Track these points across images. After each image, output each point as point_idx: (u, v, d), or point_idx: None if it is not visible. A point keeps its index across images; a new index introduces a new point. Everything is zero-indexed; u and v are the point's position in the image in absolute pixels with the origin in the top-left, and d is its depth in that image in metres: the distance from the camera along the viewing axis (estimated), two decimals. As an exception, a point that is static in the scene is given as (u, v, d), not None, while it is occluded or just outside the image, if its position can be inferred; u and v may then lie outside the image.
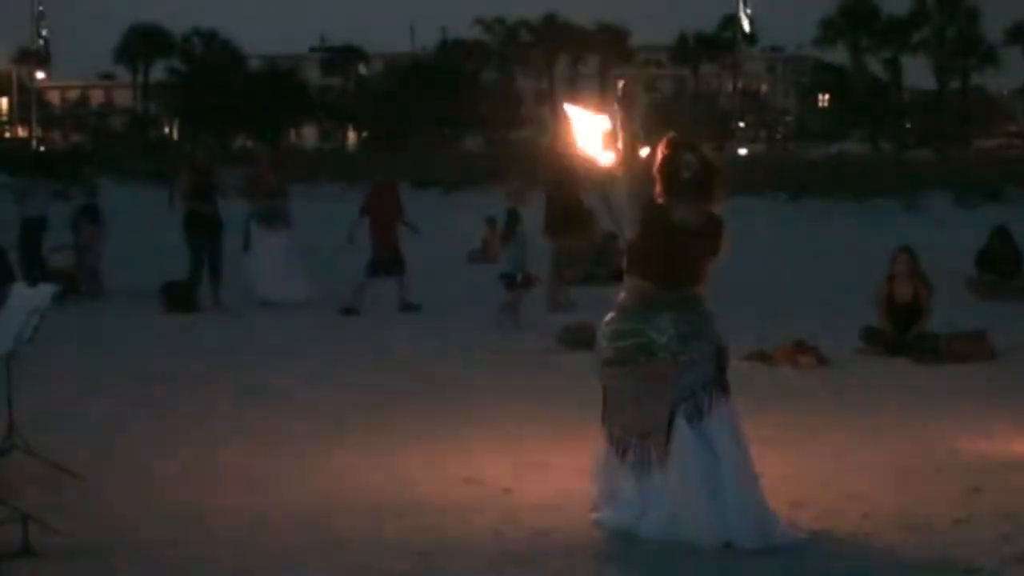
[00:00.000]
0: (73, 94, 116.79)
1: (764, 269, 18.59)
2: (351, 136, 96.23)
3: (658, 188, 6.86)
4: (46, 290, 8.62)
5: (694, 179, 6.81)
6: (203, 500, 7.88)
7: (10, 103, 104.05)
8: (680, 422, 6.79)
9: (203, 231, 17.37)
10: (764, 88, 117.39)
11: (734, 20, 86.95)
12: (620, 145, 6.92)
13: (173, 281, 17.37)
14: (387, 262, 17.19)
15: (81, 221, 19.35)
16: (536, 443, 9.24)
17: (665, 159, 6.84)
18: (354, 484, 8.24)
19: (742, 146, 79.58)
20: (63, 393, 11.31)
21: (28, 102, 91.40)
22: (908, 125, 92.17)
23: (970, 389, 11.38)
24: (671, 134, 6.95)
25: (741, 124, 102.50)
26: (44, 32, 68.14)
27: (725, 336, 7.05)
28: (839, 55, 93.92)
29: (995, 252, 18.23)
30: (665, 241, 6.82)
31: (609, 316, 7.05)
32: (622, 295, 7.01)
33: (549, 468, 8.45)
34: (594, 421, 7.33)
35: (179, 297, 17.04)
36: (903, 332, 13.52)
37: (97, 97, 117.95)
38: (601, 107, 7.21)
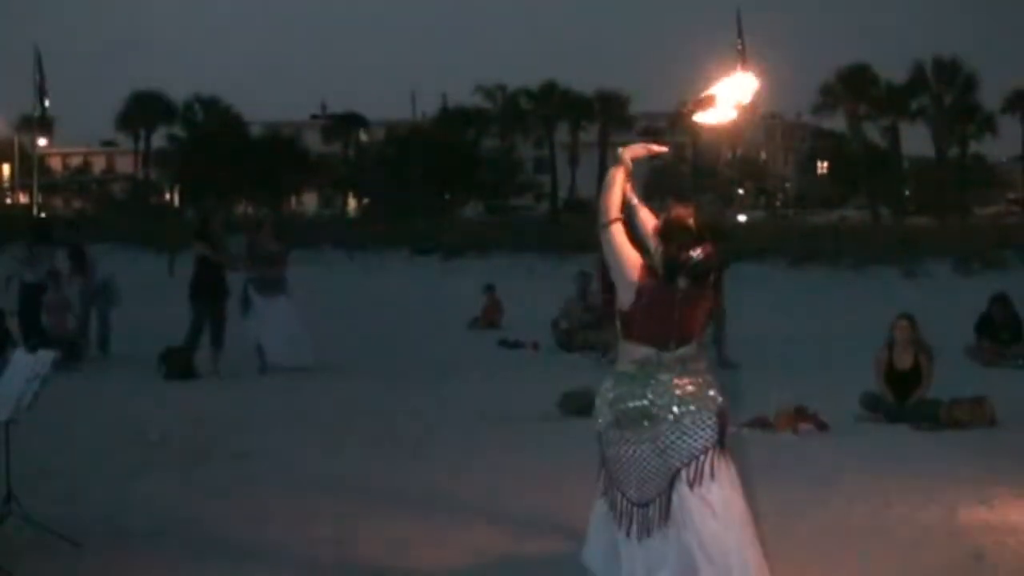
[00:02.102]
0: (75, 160, 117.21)
1: (765, 335, 18.61)
2: (351, 203, 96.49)
3: (657, 254, 6.84)
4: (46, 356, 8.63)
5: (692, 272, 6.81)
6: (200, 571, 7.85)
7: (11, 170, 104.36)
8: (682, 487, 6.77)
9: (208, 297, 17.42)
10: (763, 155, 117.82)
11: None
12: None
13: (173, 347, 17.38)
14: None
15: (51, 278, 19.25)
16: (534, 510, 9.21)
17: (675, 250, 6.80)
18: (352, 553, 8.21)
19: (742, 213, 79.85)
20: (61, 460, 11.28)
21: (30, 168, 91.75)
22: (907, 192, 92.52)
23: (970, 456, 11.36)
24: (687, 218, 6.90)
25: (740, 191, 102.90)
26: (47, 99, 68.51)
27: (725, 398, 7.04)
28: (837, 122, 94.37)
29: (994, 319, 18.25)
30: (665, 307, 6.81)
31: (607, 382, 7.02)
32: (620, 360, 6.98)
33: (547, 534, 8.42)
34: (591, 488, 7.32)
35: (179, 363, 17.05)
36: (903, 399, 13.52)
37: (99, 163, 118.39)
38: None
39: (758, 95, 7.07)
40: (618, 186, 6.91)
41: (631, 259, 6.77)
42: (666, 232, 6.80)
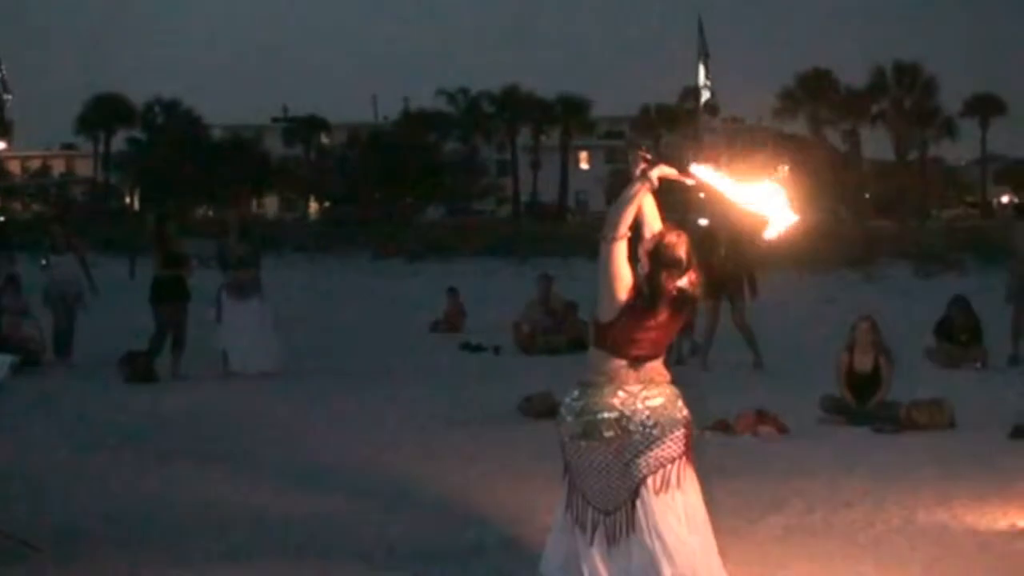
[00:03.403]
0: (34, 163, 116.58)
1: (724, 338, 18.64)
2: (313, 206, 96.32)
3: (642, 272, 6.84)
4: (4, 360, 8.58)
5: (677, 301, 6.84)
6: (163, 574, 7.83)
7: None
8: (648, 494, 6.79)
9: (169, 301, 17.37)
10: (724, 159, 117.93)
11: (695, 92, 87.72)
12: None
13: (134, 351, 17.32)
14: None
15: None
16: (494, 514, 9.22)
17: (663, 280, 6.81)
18: (312, 555, 8.21)
19: (703, 217, 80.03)
20: (21, 464, 11.23)
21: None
22: (867, 195, 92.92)
23: (930, 459, 11.42)
24: (679, 248, 6.90)
25: (702, 195, 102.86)
26: (8, 99, 68.12)
27: (688, 409, 7.08)
28: (799, 126, 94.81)
29: (953, 321, 18.34)
30: (644, 327, 6.84)
31: (574, 391, 7.02)
32: (588, 369, 6.97)
33: (508, 545, 8.43)
34: (552, 495, 7.34)
35: (140, 366, 16.99)
36: (863, 401, 13.59)
37: (59, 167, 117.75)
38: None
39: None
40: (636, 204, 6.85)
41: (625, 280, 6.77)
42: (656, 258, 6.81)
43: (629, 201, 6.79)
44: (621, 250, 6.74)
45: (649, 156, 6.92)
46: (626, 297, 6.75)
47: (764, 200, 6.96)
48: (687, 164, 7.00)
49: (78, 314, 18.98)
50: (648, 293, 6.75)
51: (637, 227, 6.91)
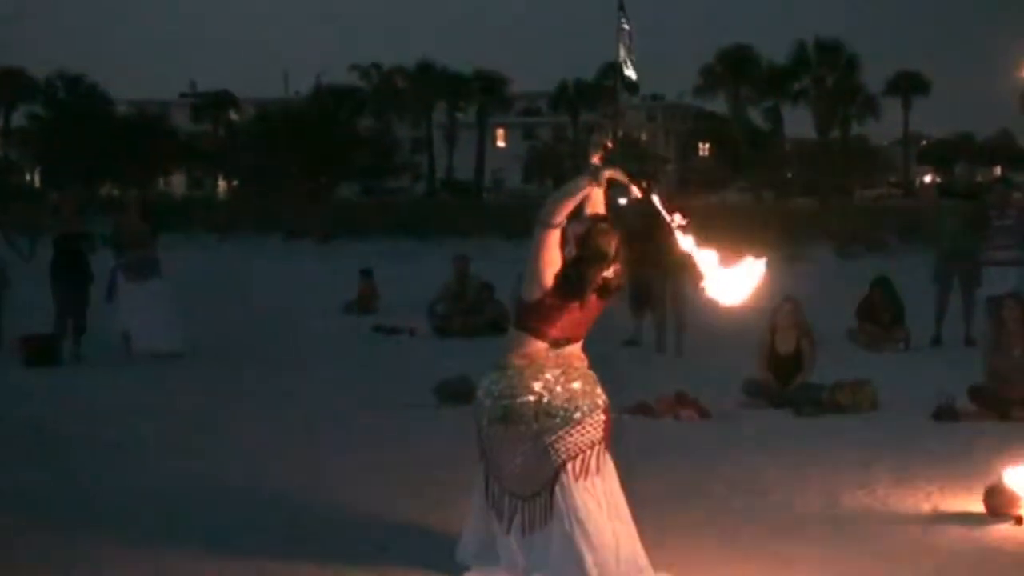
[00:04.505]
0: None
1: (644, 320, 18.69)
2: (221, 185, 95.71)
3: (569, 256, 6.84)
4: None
5: (602, 291, 6.87)
6: (66, 569, 7.74)
7: None
8: (567, 479, 6.79)
9: (69, 281, 17.15)
10: (644, 137, 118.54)
11: (615, 68, 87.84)
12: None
13: (33, 333, 17.09)
14: None
15: None
16: (409, 505, 9.18)
17: (588, 273, 6.81)
18: (219, 553, 8.14)
19: (621, 196, 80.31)
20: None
21: None
22: (789, 175, 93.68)
23: (853, 441, 11.51)
24: (609, 244, 6.89)
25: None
26: None
27: (605, 394, 7.08)
28: (719, 104, 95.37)
29: (876, 303, 18.48)
30: (568, 310, 6.83)
31: (492, 374, 6.99)
32: (509, 351, 6.95)
33: (423, 532, 8.39)
34: (467, 480, 7.31)
35: (41, 350, 16.77)
36: (785, 384, 13.66)
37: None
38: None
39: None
40: (579, 198, 6.88)
41: (555, 267, 6.79)
42: (585, 246, 6.82)
43: (572, 194, 6.83)
44: (555, 237, 6.76)
45: (611, 146, 6.94)
46: (551, 282, 6.77)
47: (719, 271, 7.05)
48: (650, 185, 7.04)
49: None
50: (575, 279, 6.76)
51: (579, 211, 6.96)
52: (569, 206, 6.79)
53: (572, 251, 6.83)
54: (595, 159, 6.92)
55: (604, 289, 6.88)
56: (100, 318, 17.59)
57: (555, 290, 6.77)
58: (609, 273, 6.86)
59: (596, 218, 6.95)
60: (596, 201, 7.03)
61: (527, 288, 6.84)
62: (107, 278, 17.63)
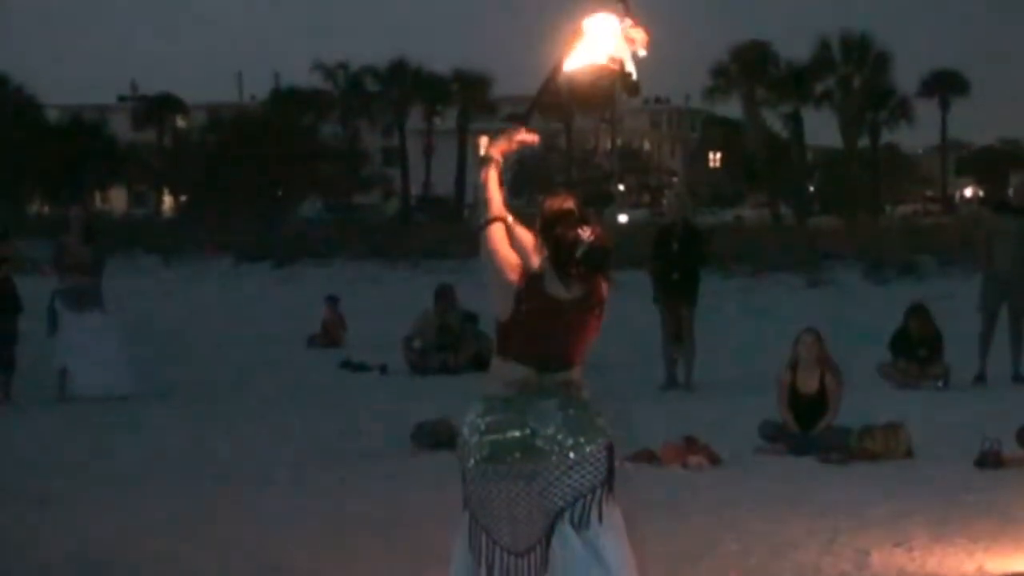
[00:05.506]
0: None
1: (649, 352, 18.70)
2: (167, 200, 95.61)
3: (543, 253, 6.85)
4: None
5: (587, 260, 6.82)
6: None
7: None
8: (566, 530, 6.78)
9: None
10: (647, 146, 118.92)
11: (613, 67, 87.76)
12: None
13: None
14: None
15: None
16: (380, 568, 9.19)
17: (559, 233, 6.82)
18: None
19: (622, 212, 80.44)
20: None
21: None
22: (811, 188, 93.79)
23: (884, 492, 11.52)
24: (565, 203, 6.95)
25: (621, 187, 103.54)
26: None
27: (613, 429, 7.06)
28: (733, 108, 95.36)
29: (911, 334, 18.46)
30: (550, 318, 6.82)
31: (477, 407, 6.97)
32: (492, 382, 6.95)
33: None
34: (447, 537, 7.32)
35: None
36: (808, 427, 13.66)
37: None
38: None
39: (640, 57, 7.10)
40: (493, 184, 6.93)
41: (509, 260, 6.76)
42: (546, 222, 6.83)
43: (482, 188, 6.92)
44: (498, 230, 6.80)
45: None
46: (516, 277, 6.74)
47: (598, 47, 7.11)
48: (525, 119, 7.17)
49: None
50: (553, 256, 6.75)
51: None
52: (490, 194, 6.90)
53: (542, 250, 6.86)
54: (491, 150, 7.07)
55: (591, 256, 6.79)
56: (37, 354, 17.53)
57: (529, 293, 6.77)
58: (586, 234, 6.81)
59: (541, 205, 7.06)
60: (522, 234, 7.10)
61: (495, 301, 6.82)
62: (48, 308, 17.57)
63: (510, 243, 6.83)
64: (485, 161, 6.98)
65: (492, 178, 6.94)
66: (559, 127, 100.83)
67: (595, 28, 7.07)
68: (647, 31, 7.06)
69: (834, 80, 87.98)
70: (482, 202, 6.87)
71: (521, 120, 7.14)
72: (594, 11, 7.05)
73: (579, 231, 6.73)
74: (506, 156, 6.99)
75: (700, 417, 14.92)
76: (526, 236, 6.92)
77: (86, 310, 17.55)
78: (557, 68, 7.09)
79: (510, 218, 6.97)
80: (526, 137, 7.04)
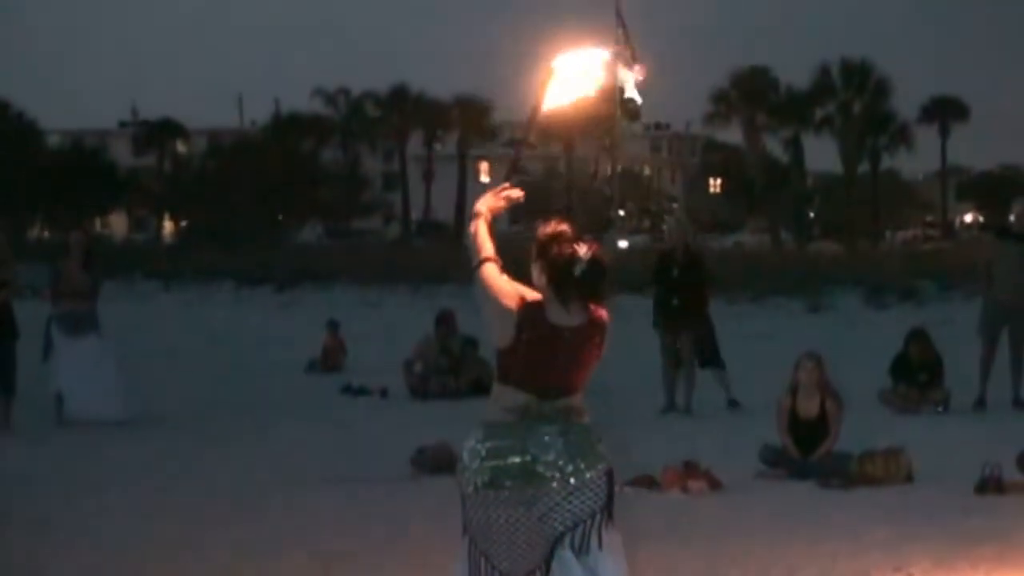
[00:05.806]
0: None
1: (648, 377, 18.70)
2: (168, 225, 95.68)
3: (542, 280, 6.87)
4: None
5: (586, 278, 6.83)
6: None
7: None
8: (566, 555, 6.78)
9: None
10: (647, 171, 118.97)
11: (613, 94, 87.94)
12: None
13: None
14: None
15: None
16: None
17: (556, 253, 6.84)
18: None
19: (622, 238, 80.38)
20: None
21: None
22: (812, 214, 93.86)
23: (885, 517, 11.51)
24: (561, 227, 6.97)
25: (621, 212, 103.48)
26: None
27: (611, 456, 7.07)
28: (733, 134, 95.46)
29: (912, 359, 18.47)
30: (551, 347, 6.82)
31: (478, 433, 6.98)
32: (493, 409, 6.95)
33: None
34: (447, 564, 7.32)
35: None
36: (808, 452, 13.66)
37: None
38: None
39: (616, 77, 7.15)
40: (483, 234, 6.96)
41: (506, 290, 6.77)
42: (542, 245, 6.85)
43: (472, 237, 6.97)
44: (491, 267, 6.83)
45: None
46: (515, 304, 6.76)
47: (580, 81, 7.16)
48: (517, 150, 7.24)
49: None
50: (551, 277, 6.77)
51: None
52: (480, 240, 6.93)
53: (539, 276, 6.89)
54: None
55: (590, 273, 6.81)
56: (34, 379, 17.53)
57: (528, 322, 6.78)
58: (583, 251, 6.83)
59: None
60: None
61: (494, 330, 6.85)
62: (44, 333, 17.57)
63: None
64: (474, 216, 7.02)
65: (482, 229, 6.98)
66: (558, 151, 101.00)
67: (570, 65, 7.13)
68: (645, 62, 7.11)
69: (834, 106, 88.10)
70: (473, 249, 6.90)
71: (520, 143, 7.19)
72: (577, 46, 7.12)
73: (575, 248, 6.77)
74: (494, 213, 7.05)
75: (700, 442, 14.92)
76: (517, 284, 6.96)
77: (82, 335, 17.54)
78: (535, 110, 7.16)
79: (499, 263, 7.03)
80: (512, 193, 7.07)
